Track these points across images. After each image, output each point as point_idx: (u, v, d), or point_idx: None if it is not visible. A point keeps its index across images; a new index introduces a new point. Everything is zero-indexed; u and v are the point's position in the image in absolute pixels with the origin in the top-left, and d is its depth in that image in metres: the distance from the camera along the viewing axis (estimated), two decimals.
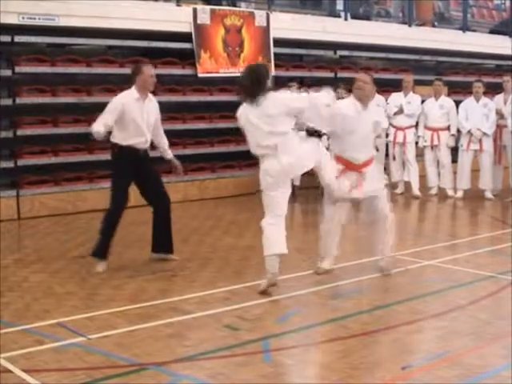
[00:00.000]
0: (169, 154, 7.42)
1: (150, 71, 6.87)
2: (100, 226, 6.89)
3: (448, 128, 11.32)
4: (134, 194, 10.30)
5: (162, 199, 7.19)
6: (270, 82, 5.87)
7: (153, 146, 7.35)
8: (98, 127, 6.58)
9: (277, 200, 6.07)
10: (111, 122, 6.66)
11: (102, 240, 6.78)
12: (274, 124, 5.77)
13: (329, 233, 6.74)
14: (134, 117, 6.75)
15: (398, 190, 11.65)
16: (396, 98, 11.71)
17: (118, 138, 6.81)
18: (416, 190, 11.37)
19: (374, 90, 6.60)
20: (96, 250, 6.78)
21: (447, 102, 11.42)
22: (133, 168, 6.91)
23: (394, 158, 11.69)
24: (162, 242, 7.10)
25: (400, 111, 11.38)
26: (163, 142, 7.36)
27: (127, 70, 10.56)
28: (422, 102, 11.52)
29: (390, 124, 11.73)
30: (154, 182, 7.22)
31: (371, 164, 6.48)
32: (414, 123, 11.54)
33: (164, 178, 10.62)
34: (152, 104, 7.01)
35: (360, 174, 6.37)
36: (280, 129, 5.80)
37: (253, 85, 5.79)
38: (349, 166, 6.39)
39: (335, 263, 6.76)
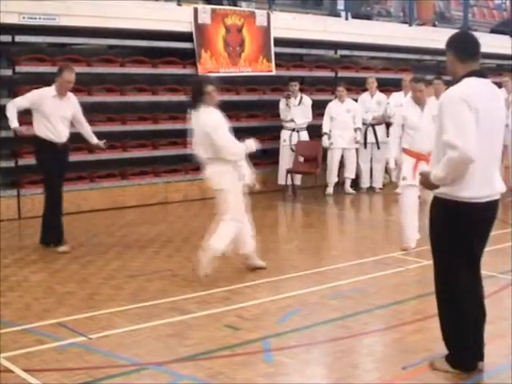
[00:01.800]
0: (93, 139, 7.86)
1: (68, 77, 7.38)
2: (51, 220, 7.53)
3: None
4: (135, 194, 10.37)
5: (54, 200, 7.57)
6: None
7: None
8: (9, 112, 7.28)
9: None
10: (22, 104, 7.37)
11: (57, 230, 7.52)
12: None
13: (405, 217, 7.47)
14: (48, 112, 7.31)
15: (399, 190, 11.63)
16: (397, 97, 11.71)
17: (38, 131, 7.41)
18: None
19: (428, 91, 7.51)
20: (59, 241, 7.52)
21: None
22: (56, 158, 7.41)
23: None
24: (52, 233, 7.61)
25: None
26: (86, 129, 7.82)
27: (128, 70, 10.65)
28: None
29: (391, 123, 11.74)
30: (60, 182, 7.65)
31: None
32: None
33: (164, 177, 10.76)
34: (70, 101, 7.59)
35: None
36: None
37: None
38: (418, 156, 7.31)
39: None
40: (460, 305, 4.18)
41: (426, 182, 4.16)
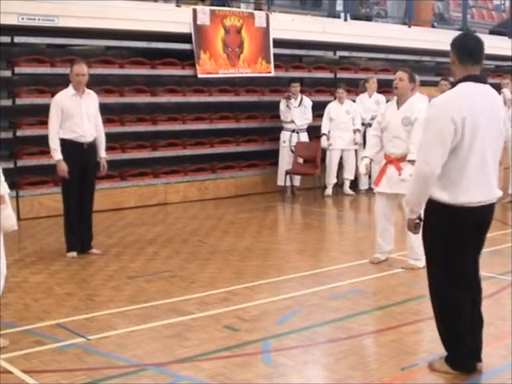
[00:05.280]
0: (102, 152, 7.61)
1: (78, 70, 7.27)
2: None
3: None
4: (134, 195, 10.37)
5: (84, 204, 7.46)
6: None
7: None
8: (55, 144, 7.25)
9: None
10: (57, 122, 7.25)
11: (65, 238, 7.40)
12: None
13: (376, 224, 7.09)
14: (71, 111, 7.22)
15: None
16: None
17: (63, 134, 7.28)
18: None
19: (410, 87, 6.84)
20: (66, 246, 7.40)
21: None
22: (78, 162, 7.26)
23: None
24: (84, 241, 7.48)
25: None
26: (100, 137, 7.58)
27: (127, 71, 10.65)
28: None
29: None
30: (88, 185, 7.47)
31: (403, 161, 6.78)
32: None
33: (164, 178, 10.76)
34: (90, 97, 7.44)
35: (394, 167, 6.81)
36: None
37: None
38: (387, 159, 6.90)
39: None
40: (455, 309, 4.18)
41: (409, 224, 4.20)
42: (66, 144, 7.26)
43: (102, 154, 7.57)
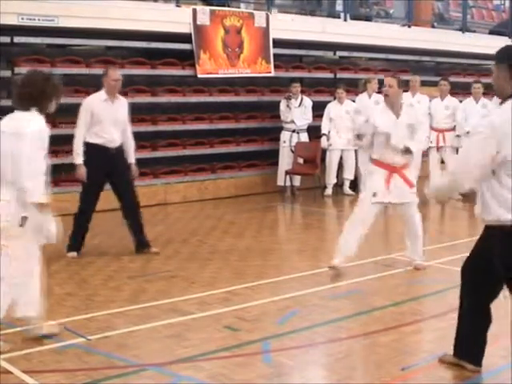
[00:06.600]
0: (131, 157, 7.59)
1: (114, 75, 7.27)
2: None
3: (453, 129, 11.27)
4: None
5: (128, 205, 7.48)
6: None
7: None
8: (78, 148, 7.21)
9: None
10: (83, 129, 7.21)
11: (71, 237, 7.25)
12: None
13: (353, 230, 6.70)
14: (100, 116, 7.17)
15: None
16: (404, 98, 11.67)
17: (90, 137, 7.23)
18: None
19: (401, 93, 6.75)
20: (67, 245, 7.22)
21: (453, 101, 11.39)
22: (103, 167, 7.22)
23: None
24: (139, 242, 7.44)
25: None
26: (129, 142, 7.57)
27: (127, 71, 10.61)
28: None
29: None
30: (125, 185, 7.47)
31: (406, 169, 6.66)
32: None
33: (163, 178, 10.76)
34: (121, 103, 7.39)
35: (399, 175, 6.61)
36: None
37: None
38: (390, 168, 6.58)
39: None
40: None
41: None
42: (92, 148, 7.20)
43: (132, 159, 7.55)
